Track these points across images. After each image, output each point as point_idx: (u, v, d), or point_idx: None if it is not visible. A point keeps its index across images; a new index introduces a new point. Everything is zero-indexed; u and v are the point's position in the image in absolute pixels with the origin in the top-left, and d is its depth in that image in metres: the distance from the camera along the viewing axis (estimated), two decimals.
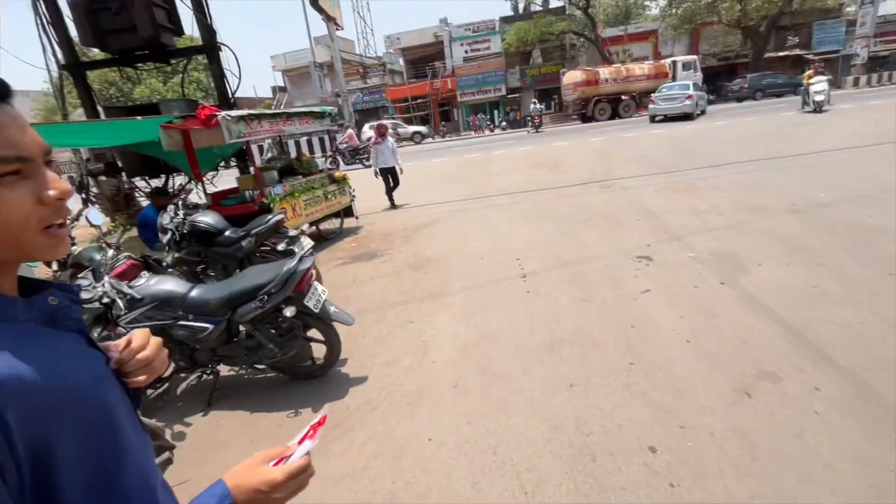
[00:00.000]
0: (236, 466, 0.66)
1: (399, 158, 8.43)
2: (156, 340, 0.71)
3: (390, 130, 8.28)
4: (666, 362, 2.68)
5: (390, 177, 8.44)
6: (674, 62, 25.03)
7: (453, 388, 2.74)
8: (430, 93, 35.77)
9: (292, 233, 4.03)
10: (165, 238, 4.21)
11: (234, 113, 5.15)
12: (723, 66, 31.90)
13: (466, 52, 35.50)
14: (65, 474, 0.50)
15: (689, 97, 18.03)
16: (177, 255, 4.29)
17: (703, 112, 19.76)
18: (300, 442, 0.68)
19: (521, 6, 37.21)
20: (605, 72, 24.03)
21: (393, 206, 8.52)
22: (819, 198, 5.48)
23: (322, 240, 6.80)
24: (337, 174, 6.88)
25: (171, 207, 4.61)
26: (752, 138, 11.19)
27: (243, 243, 4.00)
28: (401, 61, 39.67)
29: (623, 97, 24.28)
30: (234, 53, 8.11)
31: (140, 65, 9.08)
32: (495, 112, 35.37)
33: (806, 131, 11.16)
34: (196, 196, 7.53)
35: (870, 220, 4.52)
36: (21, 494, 0.46)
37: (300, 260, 2.79)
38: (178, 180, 8.27)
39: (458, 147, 20.76)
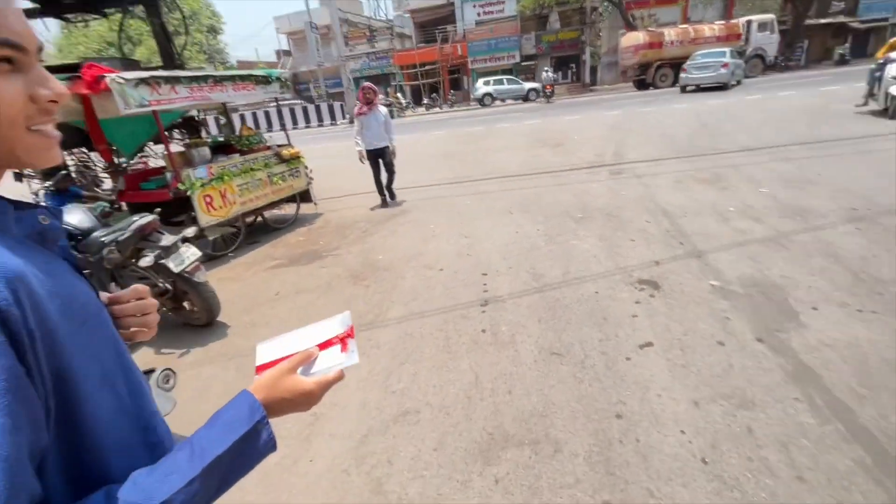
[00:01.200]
0: (262, 378, 0.62)
1: (394, 133, 6.13)
2: (153, 302, 0.78)
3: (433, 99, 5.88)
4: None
5: (381, 162, 6.15)
6: (748, 22, 22.27)
7: None
8: (440, 59, 33.93)
9: (166, 241, 2.97)
10: None
11: (132, 75, 4.02)
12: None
13: (479, 14, 33.30)
14: (82, 385, 0.50)
15: (726, 65, 16.47)
16: None
17: (738, 83, 17.97)
18: (322, 346, 0.66)
19: None
20: (670, 33, 21.72)
21: (386, 201, 6.27)
22: (886, 202, 4.20)
23: (269, 231, 5.75)
24: (287, 151, 5.74)
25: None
26: (794, 116, 9.64)
27: (104, 252, 2.96)
28: (411, 24, 37.58)
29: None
30: (180, 8, 6.88)
31: (89, 18, 7.93)
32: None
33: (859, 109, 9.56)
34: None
35: None
36: (45, 401, 0.46)
37: None
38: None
39: (461, 119, 19.27)
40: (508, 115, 17.68)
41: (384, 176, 6.32)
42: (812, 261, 3.22)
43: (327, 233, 5.46)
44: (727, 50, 17.58)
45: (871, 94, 8.84)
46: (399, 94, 30.37)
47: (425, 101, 29.60)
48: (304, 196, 6.20)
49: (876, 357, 2.19)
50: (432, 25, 35.12)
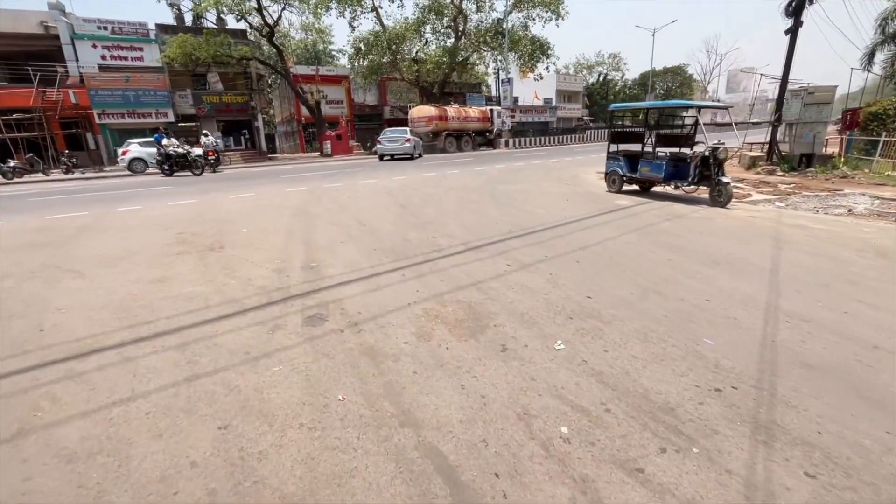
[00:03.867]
0: None
1: None
2: None
3: None
4: None
5: None
6: (492, 110, 30.56)
7: None
8: (43, 105, 24.10)
9: None
10: None
11: None
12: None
13: (105, 58, 25.74)
14: None
15: (408, 140, 20.54)
16: None
17: (420, 154, 22.27)
18: None
19: (187, 17, 29.77)
20: (451, 110, 27.34)
21: None
22: (732, 364, 2.87)
23: None
24: None
25: None
26: (475, 197, 9.52)
27: None
28: None
29: (463, 134, 27.92)
30: None
31: None
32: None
33: (513, 189, 10.38)
34: None
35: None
36: None
37: None
38: None
39: (61, 196, 12.49)
40: (150, 189, 12.44)
41: None
42: None
43: None
44: (407, 129, 22.07)
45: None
46: None
47: (12, 163, 19.28)
48: None
49: None
50: (22, 59, 24.91)
